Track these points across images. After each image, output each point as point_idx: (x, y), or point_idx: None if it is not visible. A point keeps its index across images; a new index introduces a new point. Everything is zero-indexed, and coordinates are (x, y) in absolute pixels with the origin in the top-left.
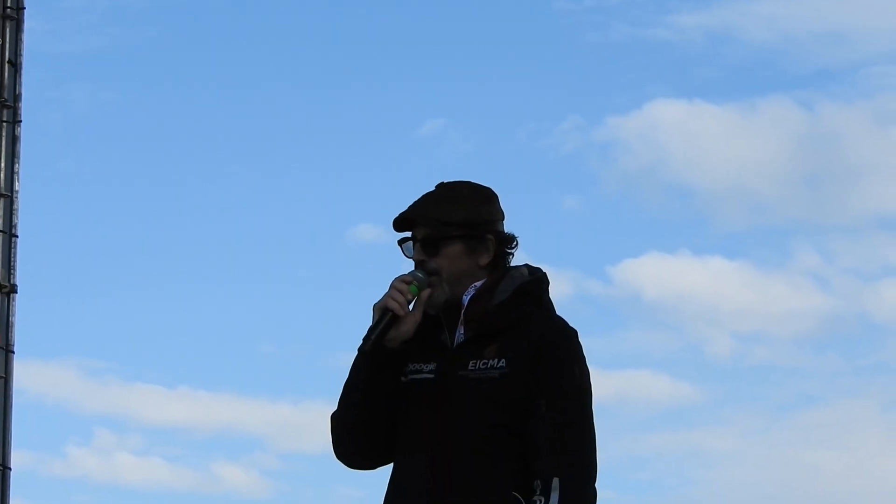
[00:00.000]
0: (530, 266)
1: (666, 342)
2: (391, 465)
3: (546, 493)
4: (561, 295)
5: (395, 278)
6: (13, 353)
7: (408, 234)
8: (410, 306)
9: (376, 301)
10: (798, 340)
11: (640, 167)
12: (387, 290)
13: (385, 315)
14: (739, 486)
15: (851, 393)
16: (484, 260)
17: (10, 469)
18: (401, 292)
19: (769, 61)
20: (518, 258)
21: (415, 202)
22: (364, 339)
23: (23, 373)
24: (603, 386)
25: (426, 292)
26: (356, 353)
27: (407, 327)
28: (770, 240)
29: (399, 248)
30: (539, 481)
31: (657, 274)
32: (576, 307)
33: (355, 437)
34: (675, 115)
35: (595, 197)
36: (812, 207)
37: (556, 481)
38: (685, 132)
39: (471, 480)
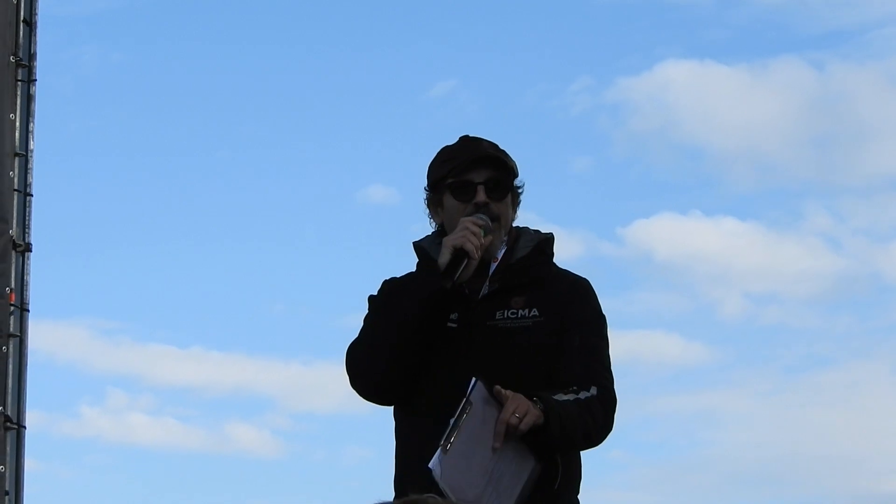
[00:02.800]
0: (530, 228)
1: (678, 303)
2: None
3: (586, 388)
4: (572, 255)
5: (465, 219)
6: (28, 311)
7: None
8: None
9: (449, 238)
10: (810, 301)
11: (651, 128)
12: (456, 230)
13: (460, 255)
14: (751, 447)
15: (864, 354)
16: (514, 215)
17: (24, 428)
18: (475, 234)
19: (780, 22)
20: (530, 219)
21: (470, 146)
22: (442, 276)
23: (35, 332)
24: (615, 346)
25: (489, 239)
26: (400, 289)
27: (469, 270)
28: (782, 201)
29: (442, 194)
30: (574, 385)
31: (669, 235)
32: (587, 268)
33: (389, 374)
34: (685, 75)
35: (606, 158)
36: (824, 168)
37: (593, 388)
38: (696, 93)
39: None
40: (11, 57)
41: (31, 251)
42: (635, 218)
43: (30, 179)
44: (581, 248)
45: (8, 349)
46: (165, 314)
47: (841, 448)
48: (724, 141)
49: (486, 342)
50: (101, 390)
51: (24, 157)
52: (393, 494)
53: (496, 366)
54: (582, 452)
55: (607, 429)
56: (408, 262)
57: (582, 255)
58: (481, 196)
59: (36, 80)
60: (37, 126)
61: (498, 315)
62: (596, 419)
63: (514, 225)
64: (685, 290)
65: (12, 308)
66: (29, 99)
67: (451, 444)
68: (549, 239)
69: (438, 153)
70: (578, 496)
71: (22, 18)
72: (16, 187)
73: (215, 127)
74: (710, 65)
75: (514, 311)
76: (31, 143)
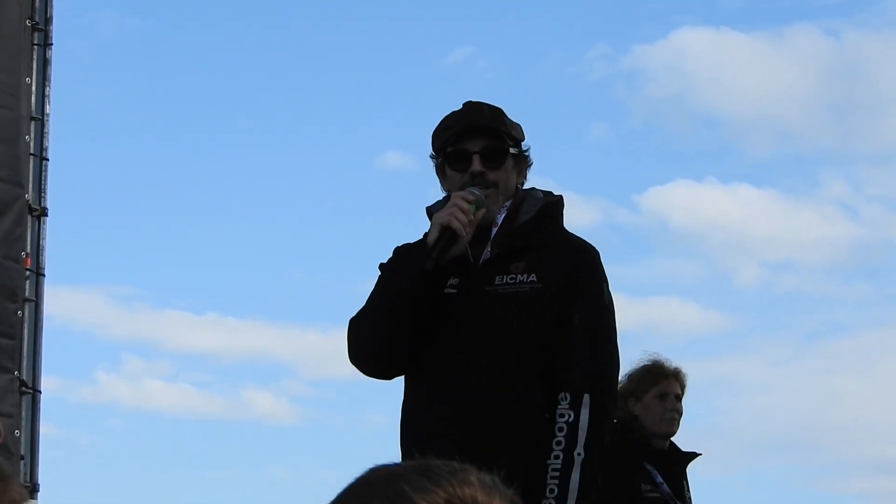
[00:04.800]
0: (539, 189)
1: (694, 270)
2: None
3: (576, 409)
4: (589, 222)
5: (455, 195)
6: (44, 276)
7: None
8: None
9: (437, 216)
10: (826, 269)
11: (668, 95)
12: (445, 207)
13: (446, 233)
14: (767, 414)
15: (880, 321)
16: (521, 180)
17: (40, 392)
18: (463, 211)
19: None
20: (547, 185)
21: (466, 115)
22: (426, 256)
23: (51, 298)
24: (631, 313)
25: (481, 212)
26: (395, 263)
27: (461, 245)
28: (798, 168)
29: (443, 163)
30: (568, 394)
31: (685, 202)
32: (604, 235)
33: (386, 346)
34: (701, 43)
35: (622, 125)
36: (839, 136)
37: (586, 397)
38: (712, 60)
39: (498, 391)
40: (28, 21)
41: (46, 216)
42: (651, 185)
43: (46, 144)
44: (597, 214)
45: (24, 313)
46: (182, 281)
47: (857, 414)
48: (740, 109)
49: (482, 307)
50: (117, 356)
51: (41, 121)
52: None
53: (491, 331)
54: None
55: (610, 421)
56: (424, 229)
57: (598, 221)
58: (476, 165)
59: (52, 44)
60: (53, 91)
61: (497, 280)
62: (601, 442)
63: (524, 188)
64: (701, 258)
65: (28, 272)
66: (45, 63)
67: None
68: (555, 202)
69: (441, 121)
70: None
71: None
72: (32, 151)
73: (233, 94)
74: (726, 32)
75: (514, 276)
76: (48, 107)
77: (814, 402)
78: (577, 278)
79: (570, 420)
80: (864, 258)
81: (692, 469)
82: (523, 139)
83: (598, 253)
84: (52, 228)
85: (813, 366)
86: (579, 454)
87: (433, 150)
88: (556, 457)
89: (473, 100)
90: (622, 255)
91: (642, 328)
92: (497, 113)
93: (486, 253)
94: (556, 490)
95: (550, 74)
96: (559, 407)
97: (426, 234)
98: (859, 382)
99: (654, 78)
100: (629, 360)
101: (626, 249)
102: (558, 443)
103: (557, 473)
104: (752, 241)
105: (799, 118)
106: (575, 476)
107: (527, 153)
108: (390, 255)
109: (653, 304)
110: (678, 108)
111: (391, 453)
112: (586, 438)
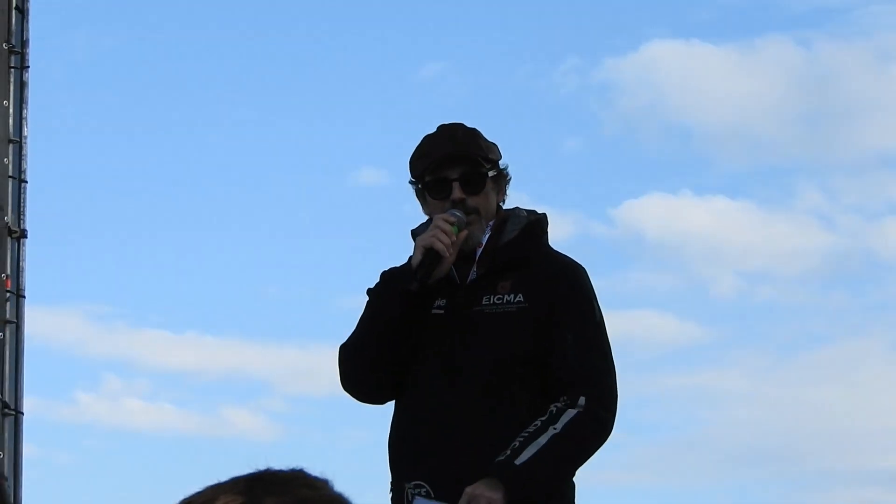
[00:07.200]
0: (523, 208)
1: (670, 282)
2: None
3: (568, 406)
4: (564, 236)
5: (438, 217)
6: (24, 297)
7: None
8: None
9: (421, 238)
10: (803, 279)
11: (640, 108)
12: (428, 229)
13: (429, 255)
14: (746, 425)
15: (858, 331)
16: (501, 199)
17: (22, 414)
18: (446, 233)
19: (766, 0)
20: (521, 200)
21: (442, 141)
22: (410, 277)
23: (30, 318)
24: (609, 327)
25: (464, 233)
26: (381, 287)
27: (445, 267)
28: (772, 179)
29: (423, 191)
30: (566, 397)
31: (659, 214)
32: (579, 248)
33: (376, 370)
34: (672, 55)
35: (595, 138)
36: (813, 146)
37: (582, 399)
38: (683, 72)
39: (485, 411)
40: (4, 44)
41: (26, 237)
42: (626, 198)
43: (24, 166)
44: (572, 228)
45: (4, 335)
46: (159, 299)
47: (837, 425)
48: (714, 120)
49: (469, 327)
50: (96, 376)
51: (19, 143)
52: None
53: (478, 351)
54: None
55: (602, 434)
56: (399, 245)
57: (573, 235)
58: (457, 193)
59: (28, 66)
60: (30, 112)
61: (484, 300)
62: (584, 441)
63: (507, 207)
64: (678, 270)
65: (8, 294)
66: (22, 86)
67: None
68: (539, 220)
69: (417, 147)
70: (574, 478)
71: (14, 6)
72: (10, 174)
73: (206, 112)
74: (696, 44)
75: (500, 296)
76: (25, 129)
77: (794, 413)
78: (566, 297)
79: (557, 408)
80: (840, 267)
81: (675, 482)
82: (500, 158)
83: (585, 270)
84: (31, 249)
85: (792, 376)
86: (555, 429)
87: (412, 175)
88: (530, 428)
89: (447, 122)
90: (598, 269)
91: (620, 341)
92: (473, 136)
93: (472, 273)
94: (517, 445)
95: (522, 88)
96: (556, 403)
97: (411, 258)
98: (839, 392)
99: (627, 91)
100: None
101: (602, 263)
102: (537, 422)
103: (525, 436)
104: (728, 252)
105: (772, 129)
106: (542, 439)
107: (505, 170)
108: (377, 279)
109: (630, 316)
110: (651, 120)
111: (373, 468)
112: (568, 422)
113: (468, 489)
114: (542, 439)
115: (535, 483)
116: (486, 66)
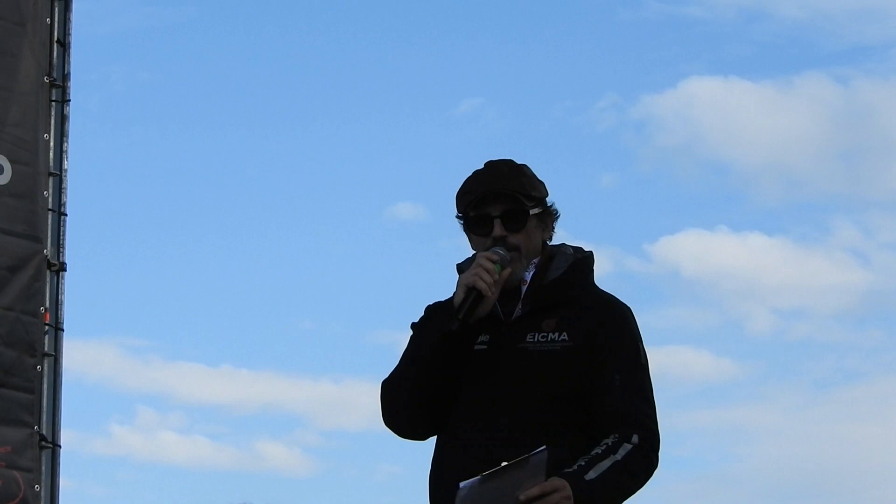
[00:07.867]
0: (569, 244)
1: (706, 318)
2: (434, 437)
3: (622, 441)
4: (601, 272)
5: (481, 255)
6: (63, 331)
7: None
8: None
9: (463, 276)
10: (839, 316)
11: (677, 144)
12: (471, 267)
13: (471, 294)
14: (781, 462)
15: (893, 368)
16: (547, 236)
17: (59, 447)
18: (488, 272)
19: (803, 38)
20: (557, 236)
21: (486, 178)
22: (452, 317)
23: (66, 351)
24: None
25: (507, 271)
26: (423, 324)
27: (487, 306)
28: (808, 216)
29: (467, 226)
30: (616, 434)
31: (696, 251)
32: (616, 284)
33: (417, 406)
34: (710, 92)
35: (632, 174)
36: (850, 183)
37: (635, 437)
38: (721, 109)
39: (526, 449)
40: (46, 77)
41: (65, 270)
42: (662, 234)
43: (64, 199)
44: (609, 264)
45: (42, 368)
46: (195, 332)
47: (872, 462)
48: (750, 156)
49: (512, 364)
50: (131, 409)
51: (59, 176)
52: None
53: (521, 388)
54: None
55: (650, 473)
56: (436, 279)
57: (610, 271)
58: (498, 230)
59: (70, 100)
60: (70, 145)
61: (528, 338)
62: (637, 475)
63: (554, 243)
64: (713, 306)
65: (47, 327)
66: (63, 119)
67: (490, 480)
68: (586, 258)
69: (463, 182)
70: None
71: (56, 39)
72: (50, 207)
73: (244, 145)
74: (734, 81)
75: (545, 333)
76: (66, 162)
77: (828, 450)
78: (614, 339)
79: (613, 441)
80: (876, 305)
81: None
82: (546, 195)
83: (630, 310)
84: (69, 282)
85: (827, 413)
86: (615, 457)
87: (458, 210)
88: (592, 454)
89: (494, 158)
90: (635, 304)
91: (656, 377)
92: (518, 173)
93: (518, 310)
94: (583, 464)
95: (560, 124)
96: (607, 439)
97: (454, 294)
98: (874, 429)
99: (663, 127)
100: None
101: (638, 299)
102: (597, 449)
103: (589, 458)
104: (764, 288)
105: (809, 165)
106: (605, 464)
107: (552, 208)
108: (417, 313)
109: (666, 352)
110: (688, 156)
111: (407, 503)
112: (626, 455)
113: (554, 478)
114: (606, 464)
115: (596, 501)
116: (524, 102)
